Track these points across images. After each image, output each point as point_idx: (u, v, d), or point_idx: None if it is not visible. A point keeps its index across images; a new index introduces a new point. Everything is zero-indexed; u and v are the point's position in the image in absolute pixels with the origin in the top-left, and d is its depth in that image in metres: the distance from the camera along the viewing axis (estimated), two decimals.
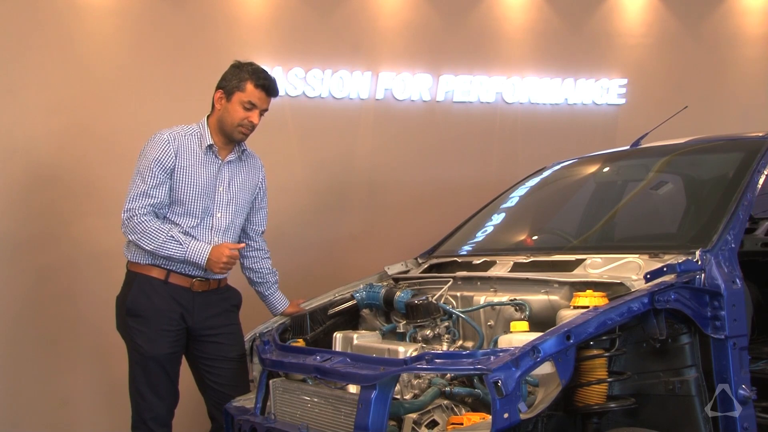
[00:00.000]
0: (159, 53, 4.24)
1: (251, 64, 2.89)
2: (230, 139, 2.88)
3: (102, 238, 4.01)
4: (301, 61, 4.48)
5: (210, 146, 2.85)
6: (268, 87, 2.86)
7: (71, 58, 4.11)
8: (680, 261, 2.38)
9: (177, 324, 2.81)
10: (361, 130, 4.66)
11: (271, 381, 2.69)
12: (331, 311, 3.07)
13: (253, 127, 2.87)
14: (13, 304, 3.97)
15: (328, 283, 3.30)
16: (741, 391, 2.31)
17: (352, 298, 3.05)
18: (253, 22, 4.45)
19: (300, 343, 2.94)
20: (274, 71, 4.40)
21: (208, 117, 2.90)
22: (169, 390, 2.86)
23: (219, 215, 2.87)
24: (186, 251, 2.74)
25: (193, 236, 2.81)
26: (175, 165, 2.79)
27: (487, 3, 4.93)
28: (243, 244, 2.94)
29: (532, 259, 2.89)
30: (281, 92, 4.43)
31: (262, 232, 3.12)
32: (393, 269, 3.31)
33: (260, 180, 3.05)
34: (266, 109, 2.90)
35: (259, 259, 3.09)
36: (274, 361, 2.64)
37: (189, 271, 2.83)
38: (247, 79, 2.82)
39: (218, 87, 2.88)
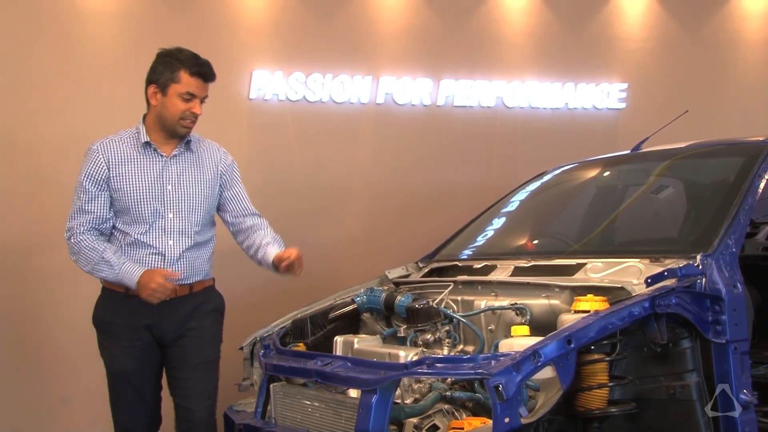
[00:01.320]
0: None
1: (180, 50, 2.67)
2: (173, 134, 2.67)
3: None
4: (302, 66, 4.49)
5: (146, 144, 2.65)
6: (205, 73, 2.65)
7: (72, 62, 4.11)
8: (681, 265, 2.38)
9: (142, 337, 2.65)
10: (362, 135, 4.67)
11: (271, 385, 2.69)
12: (331, 315, 3.07)
13: (196, 118, 2.66)
14: (15, 306, 3.98)
15: (328, 287, 3.30)
16: (742, 396, 2.31)
17: (353, 302, 3.04)
18: (253, 26, 4.46)
19: (300, 347, 2.94)
20: (275, 76, 4.41)
21: (144, 116, 2.71)
22: (139, 407, 2.69)
23: (171, 216, 2.66)
24: (117, 273, 2.58)
25: (145, 243, 2.63)
26: (108, 175, 2.62)
27: (488, 7, 4.94)
28: (177, 274, 2.63)
29: (532, 263, 2.89)
30: (282, 97, 4.46)
31: (252, 214, 2.87)
32: (394, 273, 3.31)
33: (223, 167, 2.80)
34: (206, 96, 2.69)
35: (255, 230, 2.84)
36: (275, 365, 2.64)
37: None
38: (179, 68, 2.61)
39: (150, 81, 2.66)
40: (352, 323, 3.09)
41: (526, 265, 2.89)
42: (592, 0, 5.18)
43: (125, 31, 4.23)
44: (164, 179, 2.66)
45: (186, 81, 2.61)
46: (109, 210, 2.64)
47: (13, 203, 4.00)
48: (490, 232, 3.49)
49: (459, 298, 2.82)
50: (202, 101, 2.67)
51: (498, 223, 3.53)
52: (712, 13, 5.40)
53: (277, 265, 2.72)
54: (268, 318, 3.13)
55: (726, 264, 2.44)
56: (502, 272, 2.89)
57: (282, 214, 4.30)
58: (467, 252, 3.38)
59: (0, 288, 3.98)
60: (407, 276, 3.31)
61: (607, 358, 2.27)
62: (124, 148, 2.66)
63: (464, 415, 2.37)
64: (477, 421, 2.24)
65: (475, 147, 4.89)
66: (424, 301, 2.76)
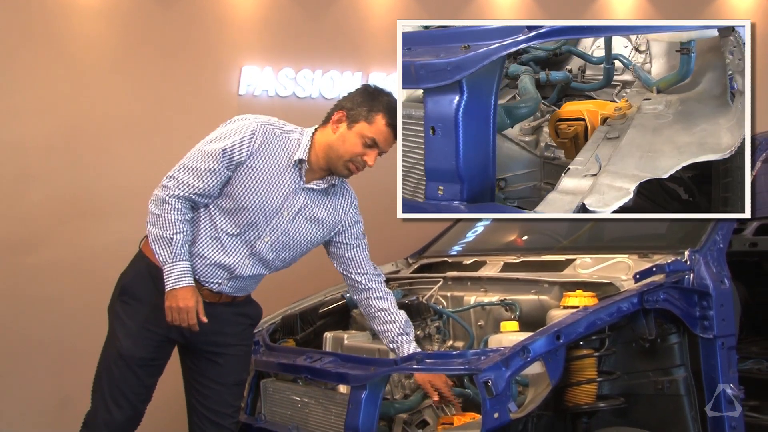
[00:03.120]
0: (149, 53, 4.23)
1: (388, 94, 2.41)
2: (332, 169, 2.39)
3: (94, 239, 4.00)
4: (292, 62, 4.47)
5: (300, 162, 2.34)
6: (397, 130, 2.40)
7: (60, 59, 4.08)
8: (669, 261, 2.40)
9: (168, 330, 2.31)
10: None
11: (261, 381, 2.69)
12: (321, 311, 3.07)
13: (363, 168, 2.39)
14: (9, 305, 3.95)
15: (318, 283, 3.29)
16: (729, 391, 2.33)
17: (343, 298, 3.04)
18: (243, 22, 4.44)
19: (290, 343, 2.94)
20: (265, 71, 4.40)
21: (317, 128, 2.42)
22: (131, 402, 2.34)
23: (267, 240, 2.34)
24: (168, 262, 2.24)
25: (225, 248, 2.33)
26: (244, 161, 2.29)
27: (477, 4, 4.94)
28: (205, 319, 2.27)
29: (522, 259, 2.90)
30: (271, 93, 4.44)
31: (371, 276, 2.55)
32: (383, 269, 3.30)
33: (347, 215, 2.51)
34: (384, 153, 2.42)
35: (371, 300, 2.52)
36: (265, 361, 2.64)
37: (203, 280, 2.32)
38: (380, 111, 2.34)
39: (341, 107, 2.39)
40: (341, 319, 3.09)
41: (515, 261, 2.90)
42: (590, 3, 5.18)
43: (113, 27, 4.20)
44: (287, 203, 2.35)
45: (378, 127, 2.34)
46: (219, 191, 2.31)
47: (2, 202, 3.97)
48: (479, 228, 3.50)
49: (448, 294, 2.82)
50: (380, 154, 2.40)
51: (487, 219, 3.54)
52: (699, 11, 5.41)
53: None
54: None
55: (713, 260, 2.46)
56: (492, 268, 2.90)
57: None
58: (457, 248, 3.39)
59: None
60: (397, 272, 3.31)
61: (596, 354, 2.29)
62: (276, 147, 2.33)
63: (453, 411, 2.37)
64: (467, 417, 2.25)
65: None
66: (414, 297, 2.77)
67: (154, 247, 2.27)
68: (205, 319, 2.26)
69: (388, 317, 2.48)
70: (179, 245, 2.25)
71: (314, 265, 4.34)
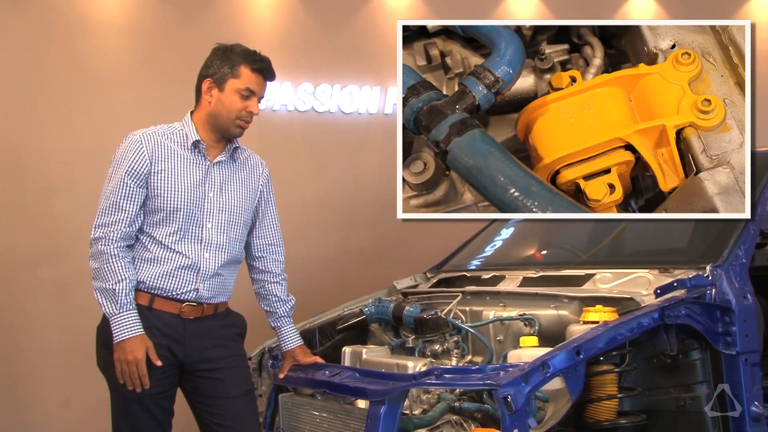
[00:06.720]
0: (170, 68, 4.28)
1: (239, 45, 2.46)
2: (225, 134, 2.43)
3: None
4: (310, 76, 4.50)
5: (196, 143, 2.39)
6: (266, 70, 2.44)
7: (82, 74, 4.14)
8: (690, 276, 2.38)
9: (164, 358, 2.30)
10: (370, 145, 4.67)
11: (279, 396, 2.69)
12: (339, 326, 3.07)
13: (251, 118, 2.43)
14: (23, 312, 4.00)
15: (336, 297, 3.30)
16: (753, 408, 2.30)
17: (361, 312, 3.04)
18: (262, 37, 4.48)
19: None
20: (284, 86, 4.43)
21: (192, 112, 2.47)
22: None
23: (209, 226, 2.39)
24: (115, 314, 2.25)
25: (179, 252, 2.35)
26: (150, 170, 2.34)
27: (496, 16, 4.95)
28: (159, 363, 2.27)
29: (541, 273, 2.89)
30: (290, 107, 4.47)
31: (271, 247, 2.60)
32: (402, 284, 3.31)
33: (262, 183, 2.56)
34: (263, 96, 2.47)
35: (267, 284, 2.59)
36: (283, 375, 2.64)
37: (177, 293, 2.34)
38: (240, 63, 2.39)
39: (205, 76, 2.43)
40: (360, 334, 3.09)
41: (534, 275, 2.89)
42: (600, 5, 5.16)
43: (134, 44, 4.26)
44: (207, 185, 2.40)
45: (246, 76, 2.39)
46: (141, 210, 2.35)
47: (23, 214, 4.02)
48: (498, 243, 3.49)
49: (467, 308, 2.81)
50: (259, 100, 2.44)
51: (506, 233, 3.53)
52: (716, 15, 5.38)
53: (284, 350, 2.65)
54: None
55: (736, 275, 2.43)
56: (511, 283, 2.89)
57: (289, 224, 4.29)
58: (475, 262, 3.38)
59: (11, 296, 4.00)
60: (415, 286, 3.31)
61: (617, 370, 2.27)
62: (169, 144, 2.39)
63: (473, 426, 2.36)
64: None
65: None
66: (433, 312, 2.76)
67: (99, 299, 2.30)
68: (159, 363, 2.27)
69: (278, 302, 2.60)
70: (123, 294, 2.28)
71: (332, 280, 4.37)
